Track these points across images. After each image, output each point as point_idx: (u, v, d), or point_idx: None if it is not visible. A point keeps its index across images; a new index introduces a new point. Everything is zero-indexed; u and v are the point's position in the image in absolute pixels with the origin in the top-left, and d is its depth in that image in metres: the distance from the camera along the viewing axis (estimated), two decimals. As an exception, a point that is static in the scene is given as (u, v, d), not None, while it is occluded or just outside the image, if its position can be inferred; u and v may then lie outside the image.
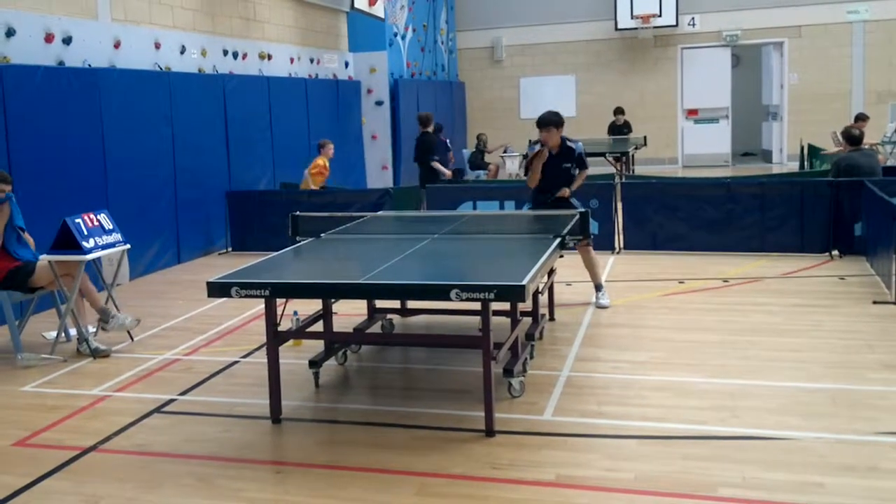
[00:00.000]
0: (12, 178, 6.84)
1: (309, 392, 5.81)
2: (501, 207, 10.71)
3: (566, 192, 7.72)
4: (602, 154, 17.42)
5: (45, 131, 8.59)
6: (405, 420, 5.19)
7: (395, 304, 7.05)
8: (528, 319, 6.44)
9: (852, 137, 10.13)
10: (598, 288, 7.90)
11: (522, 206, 10.36)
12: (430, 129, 13.45)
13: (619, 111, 18.91)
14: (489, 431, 4.86)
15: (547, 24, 21.33)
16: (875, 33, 19.52)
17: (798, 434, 4.70)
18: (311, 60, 15.25)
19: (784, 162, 20.14)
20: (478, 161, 17.90)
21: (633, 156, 17.71)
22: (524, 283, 4.63)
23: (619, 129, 18.71)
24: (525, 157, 8.00)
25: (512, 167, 17.87)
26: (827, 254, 9.57)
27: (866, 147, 10.71)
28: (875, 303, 7.47)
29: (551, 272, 7.08)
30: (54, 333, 7.09)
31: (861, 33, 19.66)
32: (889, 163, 14.99)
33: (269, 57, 13.68)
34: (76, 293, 6.85)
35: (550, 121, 7.58)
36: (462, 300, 4.60)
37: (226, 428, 5.13)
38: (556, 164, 7.65)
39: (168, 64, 11.06)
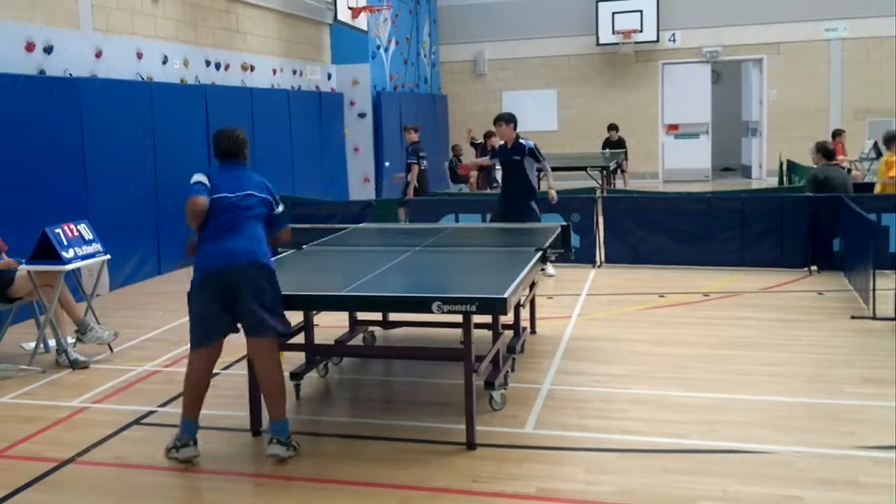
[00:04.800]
0: None
1: (290, 404, 5.74)
2: (483, 220, 10.72)
3: (553, 196, 9.50)
4: (583, 168, 17.52)
5: (26, 141, 8.54)
6: (386, 433, 5.18)
7: (377, 316, 7.04)
8: (510, 332, 6.45)
9: (828, 151, 10.28)
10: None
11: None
12: None
13: (613, 127, 19.03)
14: (470, 444, 4.86)
15: (529, 38, 21.43)
16: (853, 51, 19.75)
17: (777, 448, 4.73)
18: (294, 72, 15.25)
19: (763, 177, 20.31)
20: (454, 174, 17.90)
21: (614, 170, 17.79)
22: (506, 295, 4.65)
23: (615, 144, 18.85)
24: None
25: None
26: (805, 269, 9.65)
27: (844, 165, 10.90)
28: (853, 318, 7.53)
29: (533, 285, 7.10)
30: (33, 344, 7.03)
31: (839, 51, 19.89)
32: (866, 179, 15.16)
33: (252, 68, 13.67)
34: (55, 304, 6.80)
35: (500, 117, 9.42)
36: (444, 313, 4.62)
37: (206, 440, 5.09)
38: (508, 154, 9.41)
39: (150, 74, 11.03)
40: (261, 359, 4.85)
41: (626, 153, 18.70)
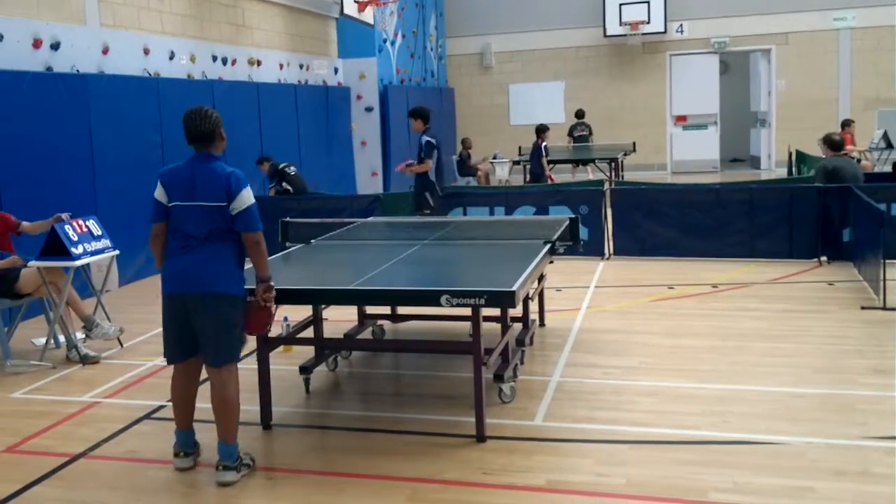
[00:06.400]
0: None
1: (299, 398, 5.80)
2: (492, 213, 10.72)
3: (404, 167, 10.12)
4: (592, 160, 17.51)
5: (34, 137, 8.56)
6: (396, 426, 5.19)
7: (386, 309, 7.05)
8: (519, 325, 6.44)
9: (834, 143, 10.24)
10: None
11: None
12: None
13: (580, 114, 18.99)
14: (480, 437, 4.86)
15: (536, 30, 21.36)
16: (862, 40, 19.63)
17: (788, 439, 4.72)
18: (301, 66, 15.24)
19: (772, 168, 20.21)
20: (462, 167, 17.89)
21: (622, 162, 17.75)
22: (514, 288, 4.64)
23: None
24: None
25: (502, 173, 17.91)
26: (815, 259, 9.61)
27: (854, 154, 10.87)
28: (863, 308, 7.50)
29: (541, 278, 7.09)
30: (43, 340, 7.06)
31: (848, 40, 19.77)
32: (876, 169, 15.10)
33: (259, 63, 13.67)
34: (65, 299, 6.82)
35: (410, 112, 9.95)
36: (452, 306, 4.61)
37: (216, 434, 5.09)
38: (418, 147, 9.85)
39: (157, 70, 11.03)
40: (211, 378, 4.60)
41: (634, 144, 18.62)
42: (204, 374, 4.67)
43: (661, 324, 7.34)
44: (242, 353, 6.51)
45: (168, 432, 5.13)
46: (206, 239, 4.44)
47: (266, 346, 5.26)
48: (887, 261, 7.51)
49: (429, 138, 9.72)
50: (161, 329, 4.70)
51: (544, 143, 15.15)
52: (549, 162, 15.50)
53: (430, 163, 9.69)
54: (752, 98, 21.57)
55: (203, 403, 4.99)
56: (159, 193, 4.56)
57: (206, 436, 5.02)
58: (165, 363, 4.79)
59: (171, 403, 4.82)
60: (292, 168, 12.46)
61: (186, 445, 4.70)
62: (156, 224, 4.60)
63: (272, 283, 4.60)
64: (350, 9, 15.26)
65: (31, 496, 4.42)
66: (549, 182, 14.33)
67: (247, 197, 4.47)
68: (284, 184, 12.20)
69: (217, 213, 4.42)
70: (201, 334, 4.50)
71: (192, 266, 4.43)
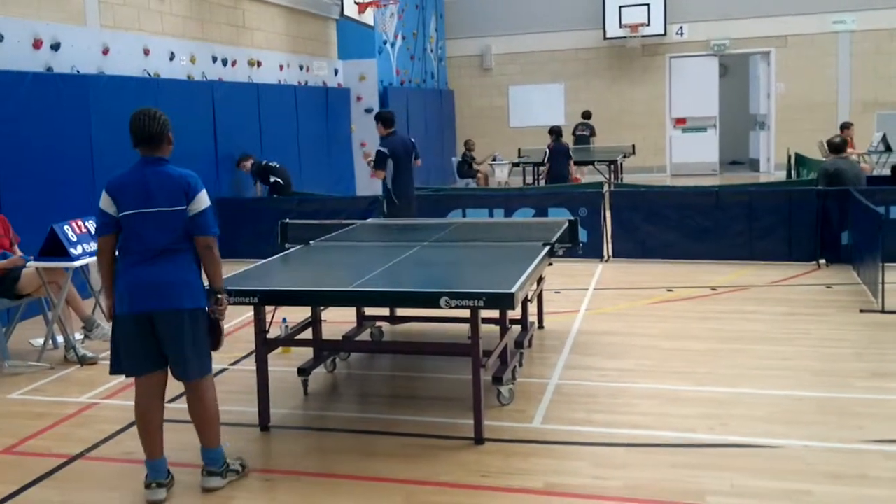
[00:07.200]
0: None
1: (298, 400, 5.80)
2: (491, 215, 10.72)
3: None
4: (591, 162, 17.53)
5: (34, 138, 8.55)
6: (394, 428, 5.19)
7: (385, 311, 7.05)
8: (517, 327, 6.44)
9: (836, 146, 10.26)
10: None
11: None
12: None
13: (586, 115, 19.03)
14: (478, 439, 4.86)
15: (536, 32, 21.37)
16: (861, 43, 19.65)
17: (786, 442, 4.72)
18: (301, 68, 15.25)
19: (771, 171, 20.22)
20: (465, 169, 17.90)
21: (621, 164, 17.75)
22: (513, 290, 4.64)
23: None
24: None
25: (501, 175, 17.91)
26: (814, 262, 9.61)
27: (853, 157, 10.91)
28: (862, 311, 7.50)
29: (540, 280, 7.09)
30: (41, 340, 7.06)
31: (847, 43, 19.79)
32: (875, 172, 15.10)
33: (259, 64, 13.67)
34: (63, 300, 6.82)
35: (375, 116, 9.72)
36: (451, 308, 4.61)
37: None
38: None
39: (157, 70, 11.03)
40: (187, 391, 4.43)
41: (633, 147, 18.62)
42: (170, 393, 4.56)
43: (660, 326, 7.34)
44: (239, 356, 6.56)
45: (166, 433, 5.11)
46: (167, 248, 4.22)
47: (265, 347, 5.26)
48: (886, 264, 7.51)
49: (380, 148, 9.23)
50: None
51: (569, 145, 15.17)
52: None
53: (382, 173, 9.22)
54: (752, 101, 21.58)
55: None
56: (105, 203, 4.26)
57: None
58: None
59: (169, 405, 4.70)
60: (275, 162, 12.50)
61: (159, 475, 4.34)
62: (103, 237, 4.30)
63: (226, 296, 4.43)
64: (350, 10, 15.25)
65: (29, 497, 4.41)
66: (577, 183, 14.32)
67: (204, 199, 4.30)
68: (272, 177, 12.20)
69: (178, 218, 4.23)
70: (172, 350, 4.28)
71: (156, 279, 4.20)
